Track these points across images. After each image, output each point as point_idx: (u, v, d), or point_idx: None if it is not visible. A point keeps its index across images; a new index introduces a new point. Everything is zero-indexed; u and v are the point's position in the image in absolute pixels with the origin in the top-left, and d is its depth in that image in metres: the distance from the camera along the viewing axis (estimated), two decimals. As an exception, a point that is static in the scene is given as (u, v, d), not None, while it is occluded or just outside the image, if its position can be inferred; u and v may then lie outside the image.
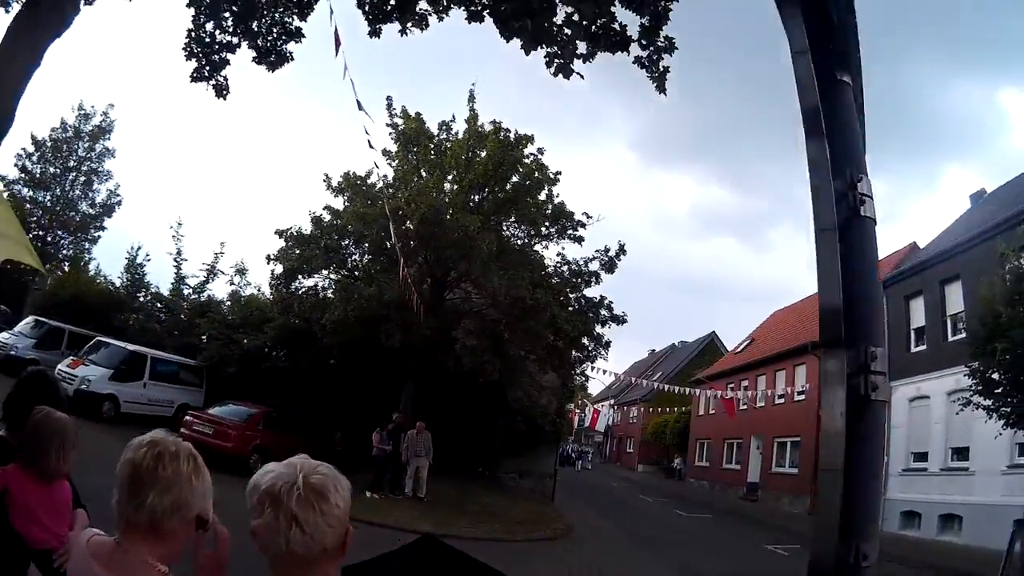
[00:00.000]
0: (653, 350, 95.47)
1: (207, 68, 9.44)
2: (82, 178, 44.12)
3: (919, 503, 25.78)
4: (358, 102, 13.99)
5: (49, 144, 42.86)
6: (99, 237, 45.49)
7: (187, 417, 22.31)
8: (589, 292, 26.90)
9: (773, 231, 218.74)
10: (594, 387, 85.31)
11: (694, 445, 54.43)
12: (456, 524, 18.64)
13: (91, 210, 44.59)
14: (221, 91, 9.68)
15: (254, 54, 9.37)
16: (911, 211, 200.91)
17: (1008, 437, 19.80)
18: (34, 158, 42.82)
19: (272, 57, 9.44)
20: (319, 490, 2.03)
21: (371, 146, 16.47)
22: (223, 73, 9.56)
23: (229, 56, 9.43)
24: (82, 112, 43.50)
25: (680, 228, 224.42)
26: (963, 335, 23.82)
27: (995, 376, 16.86)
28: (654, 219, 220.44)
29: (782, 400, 40.03)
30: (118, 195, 45.30)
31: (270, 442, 21.78)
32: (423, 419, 23.05)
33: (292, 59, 9.56)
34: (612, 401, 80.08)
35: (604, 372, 32.18)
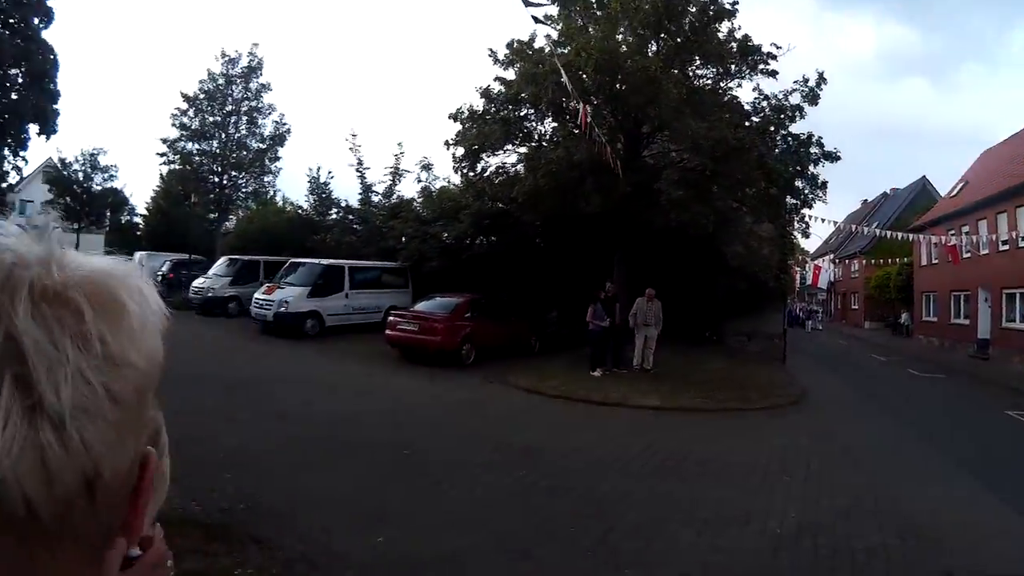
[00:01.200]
0: (865, 200, 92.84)
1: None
2: (244, 118, 45.81)
3: None
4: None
5: (203, 96, 44.77)
6: (278, 168, 47.80)
7: (391, 317, 22.33)
8: (794, 129, 24.95)
9: (960, 71, 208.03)
10: (813, 243, 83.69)
11: (919, 299, 51.57)
12: (684, 396, 18.03)
13: (261, 145, 46.29)
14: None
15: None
16: None
17: None
18: (190, 113, 44.78)
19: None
20: (103, 297, 0.77)
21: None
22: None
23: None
24: (227, 58, 45.27)
25: (867, 72, 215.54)
26: None
27: None
28: (838, 66, 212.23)
29: (1006, 247, 36.62)
30: (285, 124, 47.11)
31: (480, 330, 21.80)
32: (641, 285, 22.16)
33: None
34: (832, 255, 77.65)
35: (822, 220, 31.30)
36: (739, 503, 9.07)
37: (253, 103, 45.76)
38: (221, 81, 45.01)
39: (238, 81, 45.35)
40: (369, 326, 25.87)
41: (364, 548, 7.17)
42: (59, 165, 54.09)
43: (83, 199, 53.51)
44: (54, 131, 36.16)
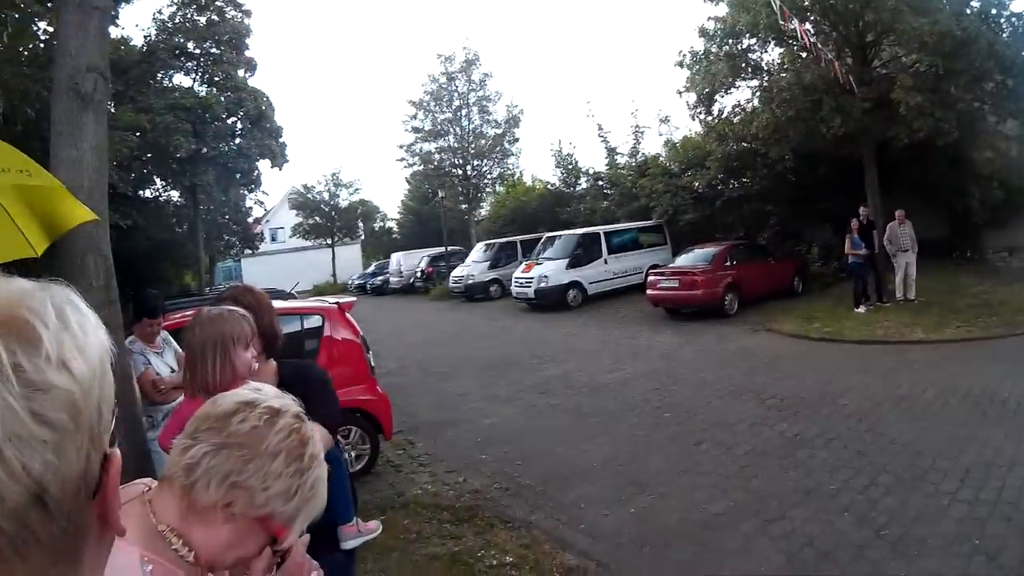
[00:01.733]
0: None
1: None
2: (475, 109, 47.28)
3: None
4: None
5: (429, 98, 47.13)
6: (518, 150, 48.82)
7: (650, 276, 22.46)
8: (1016, 7, 22.89)
9: None
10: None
11: None
12: (949, 326, 16.74)
13: (497, 130, 47.41)
14: None
15: None
16: None
17: None
18: (419, 116, 47.99)
19: None
20: (14, 325, 0.81)
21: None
22: None
23: None
24: (443, 57, 46.86)
25: None
26: None
27: None
28: None
29: None
30: (516, 105, 48.21)
31: (741, 278, 21.50)
32: (890, 207, 21.21)
33: None
34: None
35: None
36: (1006, 448, 8.42)
37: (480, 93, 47.11)
38: (443, 80, 46.74)
39: (459, 76, 46.82)
40: (632, 288, 26.24)
41: (616, 520, 7.26)
42: (303, 189, 58.00)
43: (331, 215, 56.56)
44: (285, 161, 38.19)
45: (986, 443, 8.58)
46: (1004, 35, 21.75)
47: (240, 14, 35.00)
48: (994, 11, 22.31)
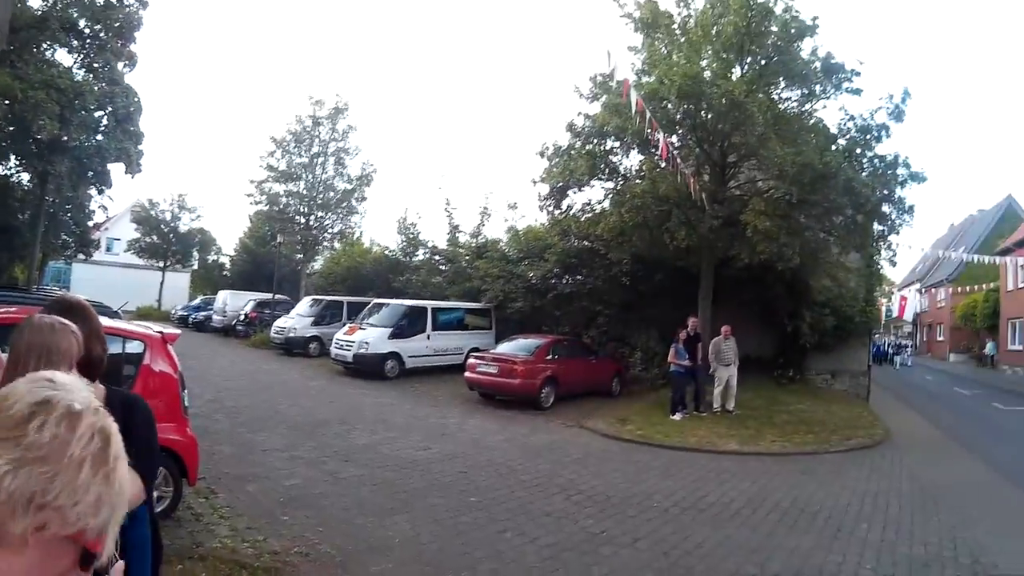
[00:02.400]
0: (952, 224, 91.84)
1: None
2: (331, 159, 48.33)
3: None
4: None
5: (290, 138, 47.42)
6: (364, 209, 50.40)
7: (470, 360, 22.21)
8: (880, 150, 23.94)
9: None
10: (898, 273, 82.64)
11: (1005, 326, 50.34)
12: (764, 439, 17.66)
13: (348, 185, 48.50)
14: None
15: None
16: None
17: None
18: (277, 155, 48.05)
19: None
20: None
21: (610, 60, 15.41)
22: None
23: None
24: (314, 100, 47.59)
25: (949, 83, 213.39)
26: None
27: None
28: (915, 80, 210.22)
29: None
30: (372, 165, 49.38)
31: (560, 373, 21.51)
32: (723, 322, 21.64)
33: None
34: (918, 285, 76.25)
35: (909, 247, 30.46)
36: (814, 554, 8.93)
37: (340, 144, 47.94)
38: (308, 123, 47.23)
39: (325, 123, 47.40)
40: (452, 368, 25.97)
41: None
42: (147, 205, 56.56)
43: (169, 238, 55.52)
44: (139, 170, 37.05)
45: (794, 551, 8.96)
46: (864, 174, 22.65)
47: (137, 3, 34.32)
48: (859, 150, 23.47)
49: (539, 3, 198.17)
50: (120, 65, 34.75)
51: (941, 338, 70.86)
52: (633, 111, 18.52)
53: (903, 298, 64.67)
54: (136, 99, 35.56)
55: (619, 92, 21.76)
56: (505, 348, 22.90)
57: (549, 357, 21.90)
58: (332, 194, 47.80)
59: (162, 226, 58.16)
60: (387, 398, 21.95)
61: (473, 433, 17.28)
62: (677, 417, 19.60)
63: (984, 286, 51.64)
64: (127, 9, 33.58)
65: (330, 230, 49.24)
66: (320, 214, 47.25)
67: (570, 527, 9.70)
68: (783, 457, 16.19)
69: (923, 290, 73.89)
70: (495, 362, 21.35)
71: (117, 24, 33.13)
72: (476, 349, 25.05)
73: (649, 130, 20.26)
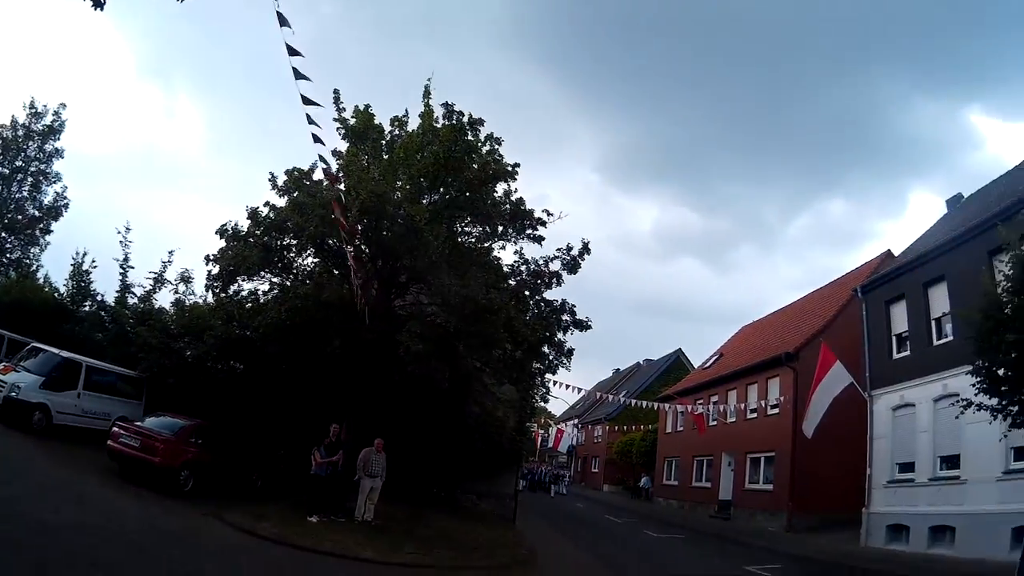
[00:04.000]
0: (617, 369, 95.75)
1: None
2: (29, 179, 43.78)
3: (906, 515, 24.62)
4: (294, 70, 12.46)
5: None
6: (47, 242, 45.38)
7: (115, 428, 20.66)
8: (550, 295, 25.61)
9: (736, 252, 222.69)
10: (558, 407, 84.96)
11: (662, 463, 53.48)
12: (402, 550, 17.39)
13: (38, 212, 44.43)
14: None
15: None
16: (877, 230, 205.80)
17: (1002, 443, 18.86)
18: None
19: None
20: None
21: (315, 131, 15.06)
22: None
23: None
24: (33, 111, 43.81)
25: (643, 249, 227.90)
26: (950, 337, 23.84)
27: (1000, 373, 15.61)
28: (617, 240, 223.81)
29: (754, 415, 38.95)
30: (65, 198, 45.62)
31: (202, 458, 20.67)
32: (372, 434, 21.53)
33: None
34: (576, 421, 78.84)
35: (567, 387, 30.98)
36: None
37: (43, 165, 44.24)
38: (21, 133, 43.43)
39: (36, 137, 43.82)
40: (99, 433, 23.57)
41: None
42: None
43: None
44: None
45: None
46: (528, 315, 24.12)
47: None
48: (527, 292, 25.01)
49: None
50: None
51: (596, 470, 74.45)
52: (338, 214, 18.21)
53: (560, 431, 66.31)
54: None
55: (309, 191, 22.60)
56: (151, 423, 21.45)
57: (193, 439, 20.93)
58: (20, 217, 43.28)
59: None
60: (25, 451, 20.16)
61: (109, 505, 16.21)
62: (314, 520, 19.33)
63: (643, 427, 54.45)
64: None
65: (9, 255, 43.98)
66: (3, 235, 43.15)
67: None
68: (421, 569, 16.26)
69: (581, 425, 76.65)
70: (138, 435, 20.01)
71: None
72: (123, 418, 23.09)
73: (331, 236, 21.40)
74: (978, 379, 16.14)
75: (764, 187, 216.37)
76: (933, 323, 25.46)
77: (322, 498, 20.09)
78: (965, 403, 16.52)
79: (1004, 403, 15.63)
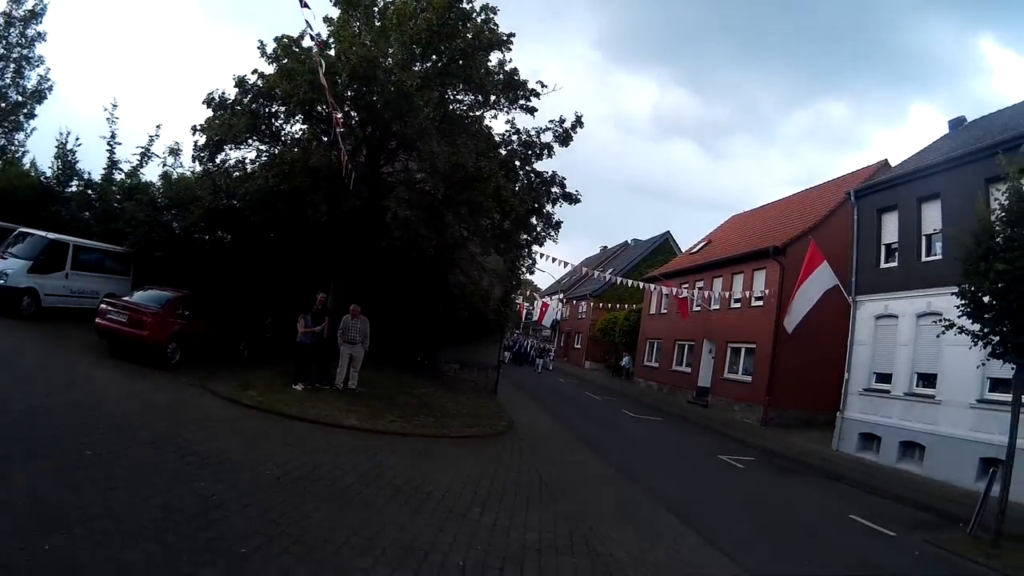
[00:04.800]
0: (605, 246, 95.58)
1: None
2: (12, 66, 43.03)
3: (880, 426, 24.94)
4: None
5: None
6: (32, 128, 44.81)
7: (102, 305, 20.67)
8: (541, 167, 25.33)
9: (732, 140, 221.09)
10: (544, 281, 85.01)
11: (643, 345, 53.75)
12: (384, 418, 17.71)
13: (21, 97, 43.75)
14: None
15: None
16: (875, 139, 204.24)
17: (979, 370, 18.81)
18: None
19: None
20: None
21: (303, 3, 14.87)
22: None
23: None
24: None
25: (639, 130, 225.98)
26: (938, 255, 23.84)
27: (985, 300, 15.75)
28: (614, 119, 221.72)
29: (738, 304, 39.05)
30: (49, 79, 44.88)
31: (191, 329, 20.88)
32: (357, 303, 21.59)
33: None
34: (562, 295, 79.90)
35: (554, 260, 30.99)
36: (424, 533, 9.07)
37: (25, 51, 43.33)
38: (1, 20, 42.52)
39: (18, 23, 42.81)
40: (88, 312, 23.50)
41: (28, 556, 6.54)
42: None
43: None
44: None
45: (403, 529, 9.14)
46: (517, 185, 23.80)
47: None
48: (518, 163, 24.64)
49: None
50: None
51: (579, 346, 74.52)
52: (321, 78, 18.00)
53: (544, 304, 66.73)
54: None
55: (299, 58, 21.77)
56: (137, 297, 21.35)
57: (180, 312, 20.97)
58: (3, 105, 42.44)
59: None
60: (16, 338, 20.19)
61: (98, 384, 16.25)
62: (299, 388, 19.47)
63: (627, 306, 54.18)
64: None
65: (-8, 143, 43.09)
66: (-16, 123, 42.04)
67: (182, 488, 9.32)
68: (402, 437, 16.36)
69: (565, 300, 77.54)
70: (126, 311, 19.99)
71: None
72: (111, 295, 23.24)
73: (323, 107, 20.80)
74: (963, 301, 16.07)
75: (765, 78, 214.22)
76: (924, 239, 25.34)
77: (307, 366, 20.25)
78: (947, 323, 16.36)
79: (986, 331, 15.59)
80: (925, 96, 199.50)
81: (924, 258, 25.18)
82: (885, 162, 36.06)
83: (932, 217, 25.00)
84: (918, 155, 30.02)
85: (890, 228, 27.57)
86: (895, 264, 27.02)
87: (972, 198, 17.17)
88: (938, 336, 17.76)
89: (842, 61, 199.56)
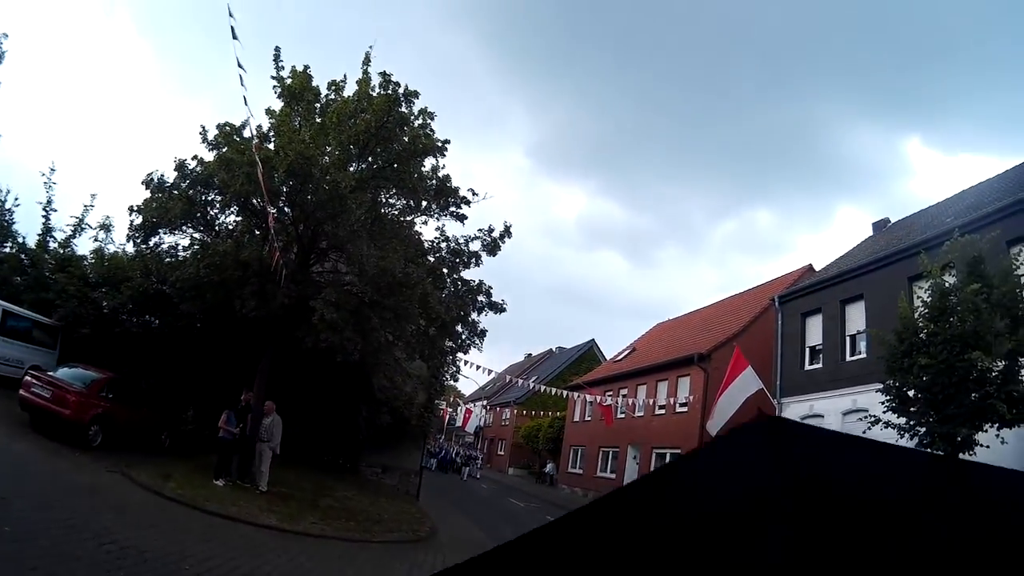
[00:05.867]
0: (530, 354, 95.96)
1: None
2: None
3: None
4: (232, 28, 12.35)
5: None
6: None
7: (27, 377, 20.07)
8: (468, 275, 25.56)
9: (660, 250, 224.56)
10: (468, 387, 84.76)
11: (567, 451, 53.94)
12: (305, 519, 17.50)
13: None
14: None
15: None
16: (801, 243, 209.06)
17: None
18: None
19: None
20: None
21: (243, 83, 14.87)
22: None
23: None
24: None
25: (566, 238, 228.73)
26: (863, 354, 24.38)
27: (910, 394, 15.99)
28: (542, 227, 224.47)
29: (663, 411, 39.43)
30: None
31: (113, 413, 20.41)
32: (281, 402, 21.48)
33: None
34: (486, 402, 79.57)
35: (478, 368, 31.02)
36: None
37: None
38: None
39: None
40: (14, 381, 22.69)
41: None
42: None
43: None
44: None
45: None
46: (444, 293, 24.07)
47: None
48: (446, 270, 24.82)
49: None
50: None
51: (502, 452, 74.96)
52: (259, 173, 18.31)
53: (468, 410, 66.65)
54: None
55: (238, 147, 21.68)
56: (63, 374, 20.91)
57: (103, 394, 20.62)
58: None
59: None
60: None
61: (17, 458, 15.99)
62: (220, 483, 19.18)
63: (551, 413, 54.52)
64: None
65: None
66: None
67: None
68: (323, 540, 16.23)
69: (489, 407, 77.45)
70: (50, 386, 19.56)
71: None
72: (37, 367, 22.43)
73: (259, 201, 20.92)
74: (888, 397, 16.47)
75: (693, 190, 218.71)
76: (848, 339, 25.96)
77: (229, 462, 20.00)
78: (873, 419, 16.76)
79: (912, 423, 15.97)
80: (851, 199, 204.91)
81: (848, 357, 25.75)
82: (809, 267, 37.14)
83: (856, 317, 25.64)
84: (841, 259, 30.91)
85: (814, 330, 28.11)
86: (819, 365, 27.56)
87: (895, 297, 17.81)
88: (864, 432, 17.49)
89: (769, 170, 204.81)
